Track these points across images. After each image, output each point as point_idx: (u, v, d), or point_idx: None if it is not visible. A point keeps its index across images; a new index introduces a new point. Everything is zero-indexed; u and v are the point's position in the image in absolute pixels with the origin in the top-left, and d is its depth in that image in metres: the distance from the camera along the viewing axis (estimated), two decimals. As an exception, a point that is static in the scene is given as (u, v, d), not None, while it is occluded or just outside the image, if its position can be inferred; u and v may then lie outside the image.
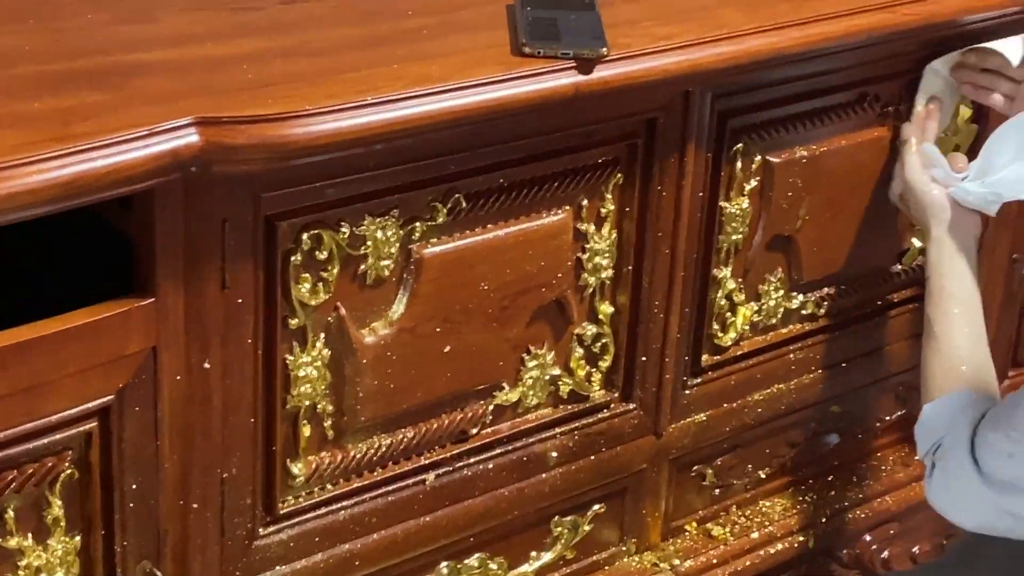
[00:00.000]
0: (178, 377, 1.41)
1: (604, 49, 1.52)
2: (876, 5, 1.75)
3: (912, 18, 1.77)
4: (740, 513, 2.00)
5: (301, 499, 1.57)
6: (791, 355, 1.97)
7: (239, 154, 1.33)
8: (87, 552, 1.41)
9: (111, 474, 1.40)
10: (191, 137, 1.30)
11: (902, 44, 1.85)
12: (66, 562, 1.39)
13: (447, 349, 1.60)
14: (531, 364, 1.69)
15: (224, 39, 1.49)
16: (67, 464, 1.36)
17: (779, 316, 1.93)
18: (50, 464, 1.35)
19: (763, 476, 2.02)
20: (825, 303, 1.97)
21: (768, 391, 1.95)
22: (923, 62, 1.90)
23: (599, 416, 1.79)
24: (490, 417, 1.69)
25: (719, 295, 1.85)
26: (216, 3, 1.58)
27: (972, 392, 1.64)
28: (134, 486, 1.41)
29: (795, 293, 1.94)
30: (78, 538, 1.40)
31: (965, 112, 1.96)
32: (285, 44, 1.49)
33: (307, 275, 1.47)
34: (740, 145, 1.78)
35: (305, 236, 1.46)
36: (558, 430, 1.75)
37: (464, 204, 1.56)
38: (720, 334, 1.87)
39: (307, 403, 1.52)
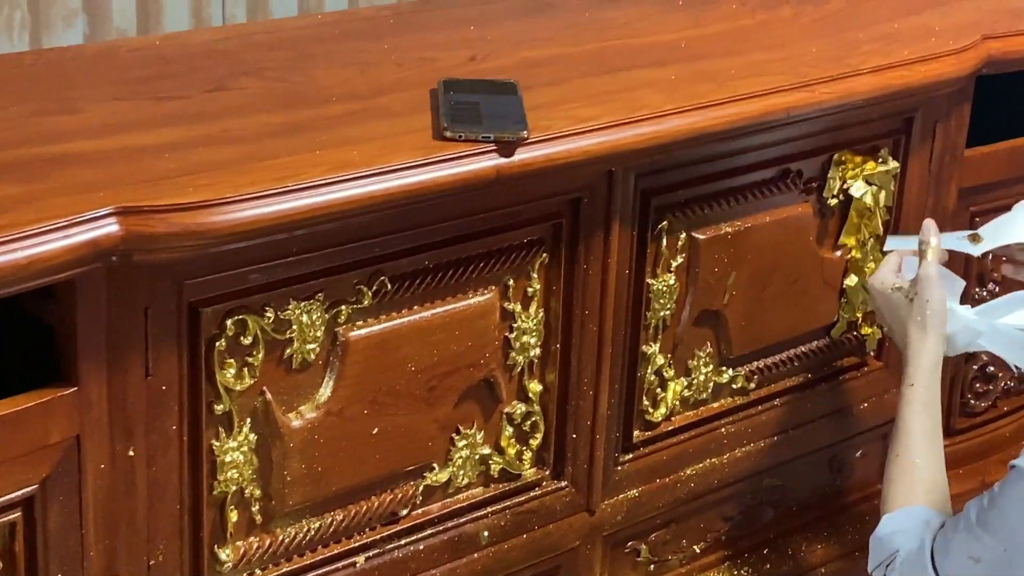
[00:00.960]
0: (102, 466, 1.41)
1: (525, 132, 1.55)
2: (794, 84, 1.79)
3: (829, 96, 1.81)
4: (675, 588, 2.01)
5: (229, 585, 1.56)
6: (723, 429, 1.98)
7: (160, 242, 1.34)
8: (12, 644, 1.41)
9: (36, 564, 1.40)
10: (111, 227, 1.32)
11: (823, 122, 1.89)
12: (-10, 654, 1.38)
13: (375, 431, 1.61)
14: (461, 444, 1.70)
15: (147, 128, 1.51)
16: (-10, 555, 1.36)
17: (709, 391, 1.95)
18: (-27, 556, 1.35)
19: (698, 551, 2.03)
20: (755, 377, 1.99)
21: (700, 465, 1.97)
22: (840, 139, 1.93)
23: (530, 494, 1.80)
24: (420, 498, 1.69)
25: (648, 371, 1.86)
26: (140, 93, 1.60)
27: (927, 509, 1.61)
28: (59, 576, 1.41)
29: (724, 367, 1.96)
30: (3, 629, 1.40)
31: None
32: (208, 132, 1.51)
33: (232, 360, 1.48)
34: (664, 223, 1.80)
35: (229, 322, 1.47)
36: (489, 509, 1.76)
37: (389, 286, 1.57)
38: (651, 410, 1.89)
39: (234, 488, 1.52)
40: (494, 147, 1.54)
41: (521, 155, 1.55)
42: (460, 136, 1.53)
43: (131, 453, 1.43)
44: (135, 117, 1.54)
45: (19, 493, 1.36)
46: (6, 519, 1.36)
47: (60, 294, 1.36)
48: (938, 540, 1.55)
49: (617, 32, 1.92)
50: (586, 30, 1.92)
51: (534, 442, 1.78)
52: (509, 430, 1.75)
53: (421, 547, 1.70)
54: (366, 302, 1.56)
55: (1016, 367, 1.74)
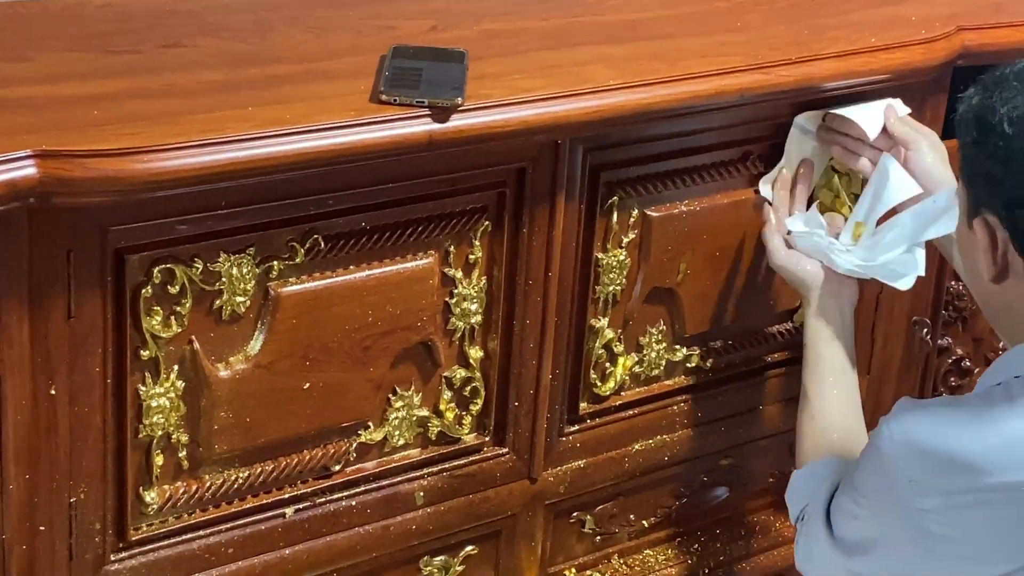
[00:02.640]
0: (23, 402, 1.46)
1: (460, 99, 1.57)
2: (751, 65, 1.80)
3: (787, 79, 1.82)
4: (622, 561, 2.03)
5: (154, 527, 1.61)
6: (675, 407, 2.00)
7: (76, 187, 1.38)
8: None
9: (-44, 494, 1.45)
10: (28, 169, 1.36)
11: (785, 105, 1.90)
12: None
13: (306, 386, 1.64)
14: (397, 404, 1.74)
15: (90, 79, 1.55)
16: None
17: (662, 368, 1.97)
18: None
19: (647, 525, 2.05)
20: (711, 357, 2.01)
21: (650, 441, 1.98)
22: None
23: (470, 459, 1.83)
24: (354, 455, 1.73)
25: (597, 345, 1.88)
26: (94, 46, 1.64)
27: (837, 459, 1.66)
28: (-22, 506, 1.46)
29: (678, 346, 1.97)
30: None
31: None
32: (148, 86, 1.55)
33: (158, 308, 1.52)
34: (615, 198, 1.82)
35: (156, 270, 1.51)
36: (426, 470, 1.79)
37: (323, 245, 1.61)
38: (599, 383, 1.91)
39: (160, 433, 1.57)
40: (428, 112, 1.56)
41: (456, 122, 1.58)
42: (395, 100, 1.56)
43: (53, 392, 1.47)
44: (82, 68, 1.58)
45: (-61, 424, 1.41)
46: (-74, 448, 1.41)
47: (-18, 233, 1.41)
48: (833, 499, 1.60)
49: (586, 9, 1.94)
50: (557, 6, 1.94)
51: (474, 407, 1.81)
52: (448, 394, 1.78)
53: (354, 503, 1.74)
54: (298, 259, 1.60)
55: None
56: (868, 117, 1.83)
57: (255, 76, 1.61)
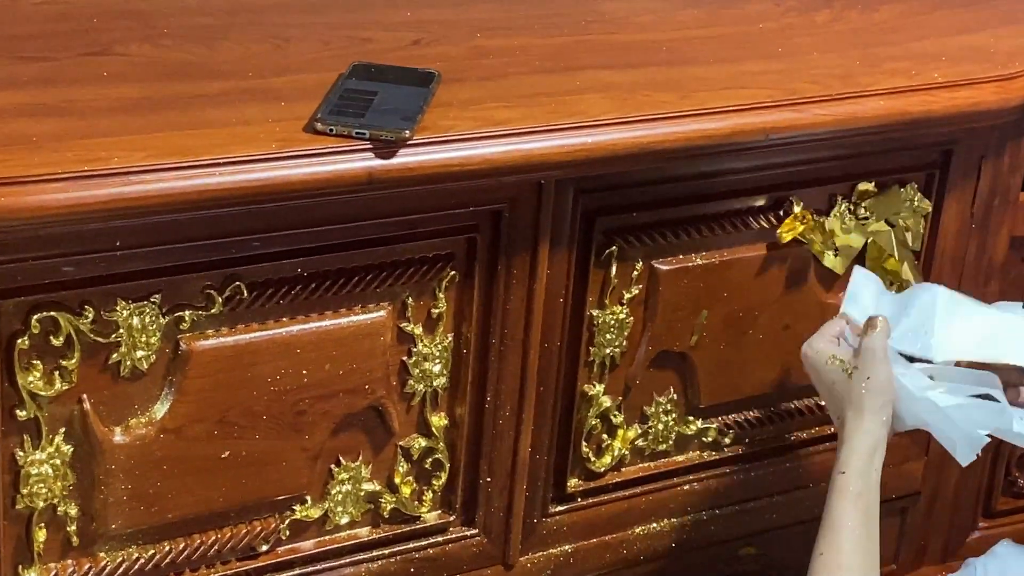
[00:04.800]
0: None
1: (407, 132, 1.34)
2: (779, 102, 1.54)
3: (824, 119, 1.55)
4: (618, 662, 1.78)
5: (37, 611, 1.39)
6: (686, 486, 1.74)
7: (-84, 222, 1.17)
8: None
9: None
10: None
11: (831, 146, 1.63)
12: None
13: (225, 455, 1.42)
14: (341, 477, 1.50)
15: (-19, 90, 1.34)
16: None
17: (671, 442, 1.71)
18: None
19: (651, 620, 1.79)
20: (732, 431, 1.74)
21: (654, 525, 1.73)
22: (856, 168, 1.67)
23: (431, 540, 1.59)
24: (287, 533, 1.50)
25: (591, 414, 1.63)
26: (4, 50, 1.43)
27: None
28: None
29: (692, 417, 1.71)
30: None
31: None
32: (46, 101, 1.33)
33: (38, 362, 1.31)
34: (614, 248, 1.57)
35: (35, 318, 1.29)
36: (376, 552, 1.56)
37: (246, 293, 1.38)
38: (592, 458, 1.66)
39: (42, 504, 1.35)
40: (369, 146, 1.33)
41: (403, 158, 1.34)
42: (330, 130, 1.33)
43: (-95, 456, 1.27)
44: (-22, 76, 1.37)
45: None
46: None
47: None
48: None
49: (603, 26, 1.68)
50: (569, 20, 1.68)
51: (437, 482, 1.57)
52: (405, 466, 1.54)
53: (285, 589, 1.51)
54: (216, 309, 1.37)
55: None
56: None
57: (179, 94, 1.39)
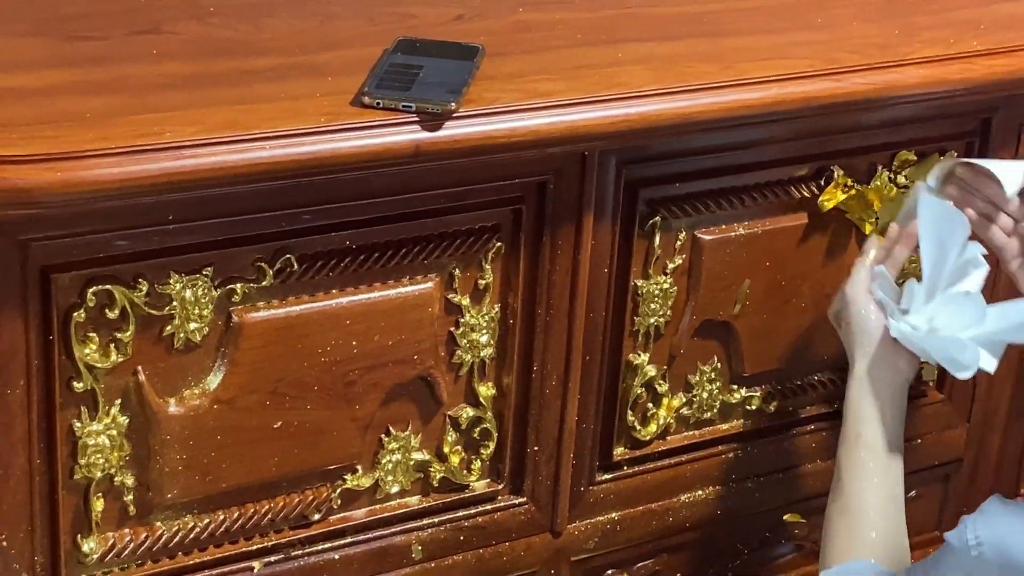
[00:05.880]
0: (-69, 436, 1.28)
1: (454, 104, 1.35)
2: (821, 71, 1.54)
3: (863, 88, 1.56)
4: (664, 625, 1.80)
5: (95, 579, 1.42)
6: (731, 454, 1.76)
7: (-31, 198, 1.19)
8: None
9: None
10: (-85, 176, 1.17)
11: (875, 115, 1.64)
12: None
13: (278, 425, 1.44)
14: (391, 446, 1.52)
15: (35, 69, 1.36)
16: None
17: (715, 410, 1.72)
18: None
19: (697, 587, 1.81)
20: (775, 400, 1.76)
21: (699, 492, 1.74)
22: (896, 136, 1.68)
23: (480, 508, 1.61)
24: (338, 502, 1.52)
25: (636, 383, 1.65)
26: (58, 30, 1.45)
27: (875, 564, 1.39)
28: None
29: (736, 386, 1.73)
30: None
31: None
32: (98, 79, 1.35)
33: (95, 335, 1.33)
34: (657, 219, 1.58)
35: (90, 291, 1.31)
36: (426, 520, 1.58)
37: (297, 266, 1.40)
38: (638, 427, 1.67)
39: (100, 475, 1.38)
40: (416, 118, 1.34)
41: (449, 131, 1.35)
42: (378, 103, 1.35)
43: (-35, 427, 1.30)
44: (31, 56, 1.39)
45: None
46: None
47: None
48: None
49: (642, 0, 1.69)
50: (612, -6, 1.70)
51: (485, 452, 1.59)
52: (453, 435, 1.56)
53: (337, 556, 1.53)
54: (267, 281, 1.39)
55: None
56: (1006, 173, 1.50)
57: (229, 70, 1.41)
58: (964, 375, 1.41)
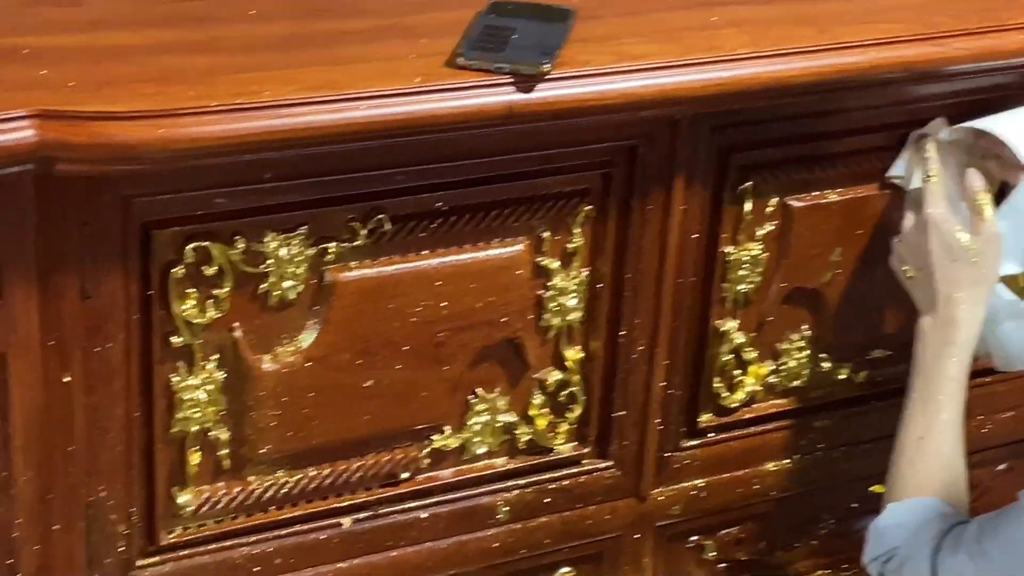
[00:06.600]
0: (33, 389, 1.31)
1: (547, 66, 1.36)
2: (920, 35, 1.53)
3: (963, 53, 1.54)
4: (749, 593, 1.80)
5: (190, 531, 1.45)
6: (819, 423, 1.75)
7: (81, 154, 1.21)
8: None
9: (-42, 486, 1.31)
10: (26, 132, 1.19)
11: (976, 81, 1.62)
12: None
13: (368, 384, 1.46)
14: (479, 408, 1.54)
15: (135, 28, 1.38)
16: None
17: (804, 379, 1.72)
18: None
19: (782, 555, 1.81)
20: (865, 369, 1.75)
21: (786, 461, 1.74)
22: (998, 103, 1.66)
23: (565, 471, 1.62)
24: (427, 461, 1.53)
25: (723, 350, 1.65)
26: (157, -10, 1.48)
27: (943, 503, 1.40)
28: (-17, 501, 1.32)
29: (825, 355, 1.72)
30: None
31: None
32: (196, 38, 1.37)
33: (193, 291, 1.35)
34: (749, 184, 1.58)
35: (189, 248, 1.33)
36: (512, 482, 1.59)
37: (389, 226, 1.41)
38: (725, 393, 1.67)
39: (195, 428, 1.40)
40: (510, 80, 1.35)
41: (541, 92, 1.36)
42: (472, 64, 1.35)
43: (66, 379, 1.32)
44: (131, 15, 1.41)
45: (-64, 407, 1.28)
46: (-78, 433, 1.28)
47: (-19, 200, 1.25)
48: (941, 553, 1.37)
49: (737, -36, 1.68)
50: (705, -42, 1.69)
51: (571, 415, 1.59)
52: (540, 398, 1.57)
53: (424, 515, 1.55)
54: (360, 241, 1.41)
55: None
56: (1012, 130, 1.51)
57: (323, 31, 1.42)
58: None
